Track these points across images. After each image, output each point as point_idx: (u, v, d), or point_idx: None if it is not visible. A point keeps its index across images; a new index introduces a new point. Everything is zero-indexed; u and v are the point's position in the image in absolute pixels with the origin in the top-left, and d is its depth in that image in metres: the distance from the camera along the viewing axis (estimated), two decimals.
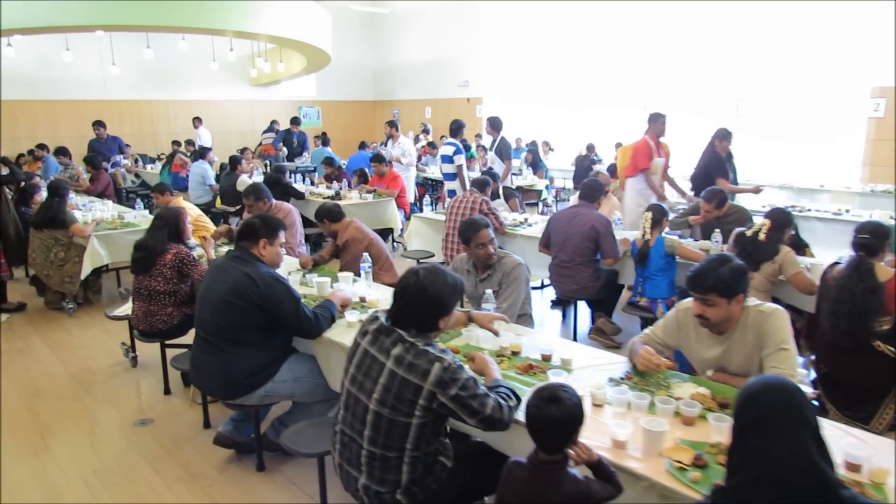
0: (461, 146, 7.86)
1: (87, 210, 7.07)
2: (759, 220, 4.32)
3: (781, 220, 4.17)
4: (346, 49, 17.21)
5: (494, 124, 8.17)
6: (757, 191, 7.05)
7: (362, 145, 12.08)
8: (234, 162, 9.07)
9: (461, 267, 3.85)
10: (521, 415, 2.33)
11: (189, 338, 4.39)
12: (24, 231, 6.37)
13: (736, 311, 2.62)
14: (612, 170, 8.31)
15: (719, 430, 2.17)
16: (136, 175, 12.69)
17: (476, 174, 7.73)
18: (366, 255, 4.26)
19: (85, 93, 14.36)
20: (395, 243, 8.69)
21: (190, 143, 13.14)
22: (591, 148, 12.03)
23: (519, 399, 2.36)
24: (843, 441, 2.11)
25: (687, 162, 8.51)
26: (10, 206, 6.31)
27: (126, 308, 4.72)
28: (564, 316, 6.15)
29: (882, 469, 1.95)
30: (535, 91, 15.61)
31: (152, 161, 13.32)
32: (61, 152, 9.63)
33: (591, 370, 2.81)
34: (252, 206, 5.32)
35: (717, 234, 4.92)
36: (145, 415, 4.16)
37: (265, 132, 13.38)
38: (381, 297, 3.82)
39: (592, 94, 14.49)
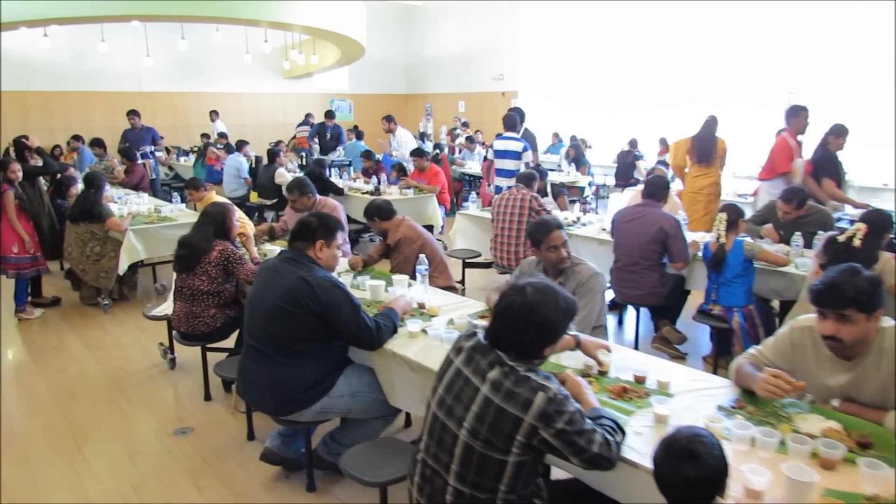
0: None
1: (122, 203, 6.89)
2: (844, 224, 3.93)
3: (880, 223, 3.76)
4: (379, 42, 16.93)
5: (518, 117, 7.76)
6: (864, 206, 6.34)
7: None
8: (273, 155, 8.84)
9: (528, 271, 3.53)
10: (631, 452, 2.02)
11: (231, 341, 4.17)
12: (59, 224, 6.19)
13: (872, 330, 2.26)
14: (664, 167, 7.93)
15: (873, 479, 1.82)
16: (170, 167, 12.58)
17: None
18: (422, 256, 3.95)
19: (119, 84, 14.29)
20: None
21: (223, 135, 12.96)
22: (633, 143, 11.60)
23: (624, 433, 2.05)
24: None
25: (748, 158, 8.12)
26: (45, 198, 6.14)
27: (165, 307, 4.48)
28: (620, 321, 5.80)
29: None
30: (572, 85, 15.18)
31: (185, 153, 13.20)
32: (96, 143, 9.47)
33: (691, 395, 2.47)
34: (296, 201, 5.05)
35: (797, 238, 4.53)
36: (185, 423, 3.91)
37: (300, 125, 13.18)
38: (442, 303, 3.51)
39: (632, 88, 14.03)
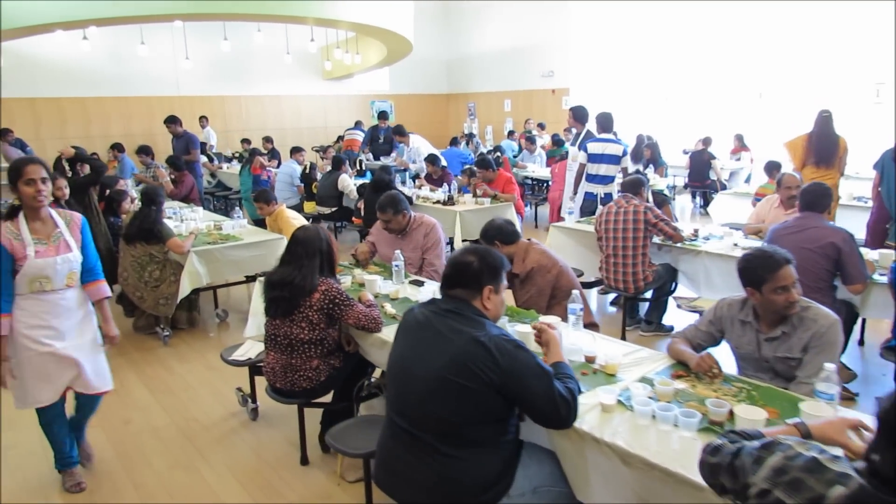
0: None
1: (178, 218, 6.24)
2: None
3: None
4: (420, 40, 16.20)
5: (579, 115, 7.00)
6: None
7: (454, 141, 11.04)
8: (338, 162, 8.19)
9: (730, 315, 2.75)
10: None
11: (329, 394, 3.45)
12: (114, 244, 5.54)
13: None
14: (770, 168, 7.09)
15: None
16: (212, 175, 11.97)
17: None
18: (574, 293, 3.19)
19: (157, 89, 13.76)
20: None
21: (268, 140, 12.34)
22: (707, 142, 10.72)
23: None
24: None
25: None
26: (99, 214, 5.48)
27: (246, 350, 3.79)
28: None
29: None
30: (629, 80, 14.31)
31: (228, 160, 12.60)
32: (143, 151, 8.85)
33: None
34: (390, 221, 4.34)
35: None
36: (282, 496, 3.20)
37: (350, 129, 12.45)
38: (612, 352, 2.75)
39: (696, 82, 13.15)
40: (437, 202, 7.18)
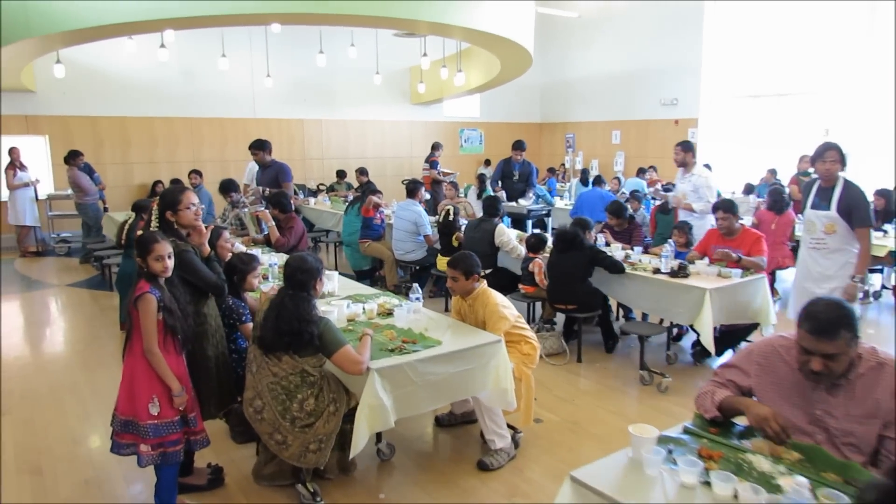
0: None
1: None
2: None
3: None
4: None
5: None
6: None
7: (598, 180, 8.93)
8: (493, 207, 6.16)
9: None
10: None
11: None
12: (231, 353, 3.51)
13: None
14: None
15: None
16: (296, 210, 10.05)
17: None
18: None
19: (231, 110, 12.05)
20: None
21: (363, 172, 10.44)
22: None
23: None
24: None
25: None
26: (209, 304, 3.40)
27: None
28: None
29: None
30: (770, 112, 12.14)
31: (312, 193, 10.73)
32: (228, 188, 6.95)
33: None
34: None
35: None
36: None
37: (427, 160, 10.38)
38: None
39: (863, 113, 10.90)
40: (656, 271, 5.07)
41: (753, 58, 12.10)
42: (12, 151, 9.39)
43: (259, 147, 7.27)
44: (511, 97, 15.49)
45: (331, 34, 10.66)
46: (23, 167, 9.51)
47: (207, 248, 3.31)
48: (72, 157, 9.31)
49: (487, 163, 15.25)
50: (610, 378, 5.07)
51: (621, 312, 6.33)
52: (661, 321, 5.45)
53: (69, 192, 9.92)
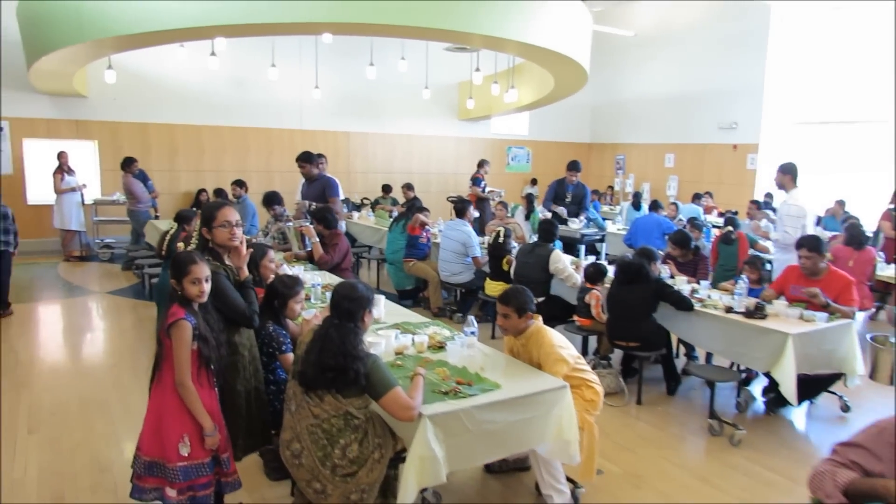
0: None
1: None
2: None
3: None
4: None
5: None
6: None
7: (654, 205, 8.49)
8: (549, 231, 5.79)
9: None
10: None
11: None
12: (269, 385, 3.21)
13: None
14: None
15: None
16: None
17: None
18: None
19: (278, 120, 11.96)
20: None
21: (409, 187, 10.18)
22: None
23: None
24: None
25: None
26: (240, 331, 3.08)
27: None
28: None
29: None
30: (840, 138, 11.52)
31: (356, 207, 10.51)
32: (272, 201, 6.74)
33: None
34: None
35: None
36: None
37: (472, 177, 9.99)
38: None
39: None
40: (729, 310, 4.63)
41: (819, 82, 11.52)
42: (61, 155, 9.41)
43: (306, 159, 7.03)
44: (561, 115, 15.12)
45: (381, 47, 10.49)
46: (70, 171, 9.51)
47: (245, 272, 3.01)
48: (127, 164, 9.33)
49: (534, 182, 14.91)
50: (673, 424, 4.64)
51: (681, 349, 5.88)
52: (732, 365, 5.00)
53: (115, 196, 9.92)
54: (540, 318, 3.43)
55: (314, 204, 6.57)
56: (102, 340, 6.24)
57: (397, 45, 10.29)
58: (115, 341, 6.08)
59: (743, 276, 5.13)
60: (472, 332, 3.52)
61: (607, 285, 5.23)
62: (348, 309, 2.76)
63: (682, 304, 4.75)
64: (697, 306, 4.79)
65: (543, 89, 11.36)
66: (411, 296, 7.58)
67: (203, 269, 2.64)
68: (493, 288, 6.29)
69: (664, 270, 5.53)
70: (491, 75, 11.16)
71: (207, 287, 2.65)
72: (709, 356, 5.41)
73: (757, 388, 5.15)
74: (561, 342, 3.34)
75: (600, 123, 16.07)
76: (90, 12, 6.87)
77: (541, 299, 5.72)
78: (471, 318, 3.61)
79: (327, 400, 2.68)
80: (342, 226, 8.37)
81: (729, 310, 4.67)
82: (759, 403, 4.96)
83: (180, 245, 4.67)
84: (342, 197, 7.58)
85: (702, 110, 13.39)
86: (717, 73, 12.93)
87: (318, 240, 5.70)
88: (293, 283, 3.39)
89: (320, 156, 7.36)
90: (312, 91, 11.07)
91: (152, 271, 7.37)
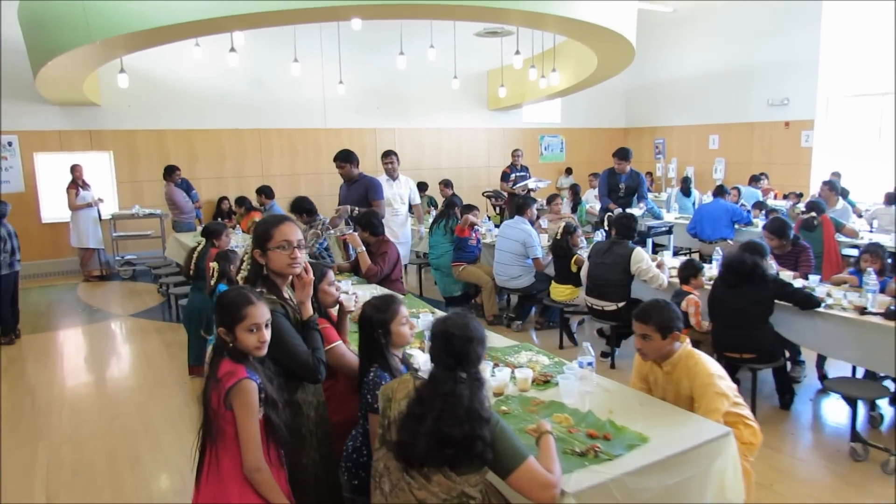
0: None
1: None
2: None
3: None
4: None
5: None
6: None
7: (719, 190, 7.70)
8: (627, 228, 5.04)
9: None
10: None
11: None
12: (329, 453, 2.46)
13: None
14: None
15: None
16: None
17: None
18: None
19: (301, 120, 11.30)
20: None
21: (447, 184, 9.47)
22: None
23: None
24: None
25: None
26: (303, 388, 2.31)
27: None
28: None
29: None
30: None
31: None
32: (300, 209, 5.95)
33: None
34: None
35: None
36: None
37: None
38: None
39: None
40: (863, 311, 3.86)
41: (878, 51, 10.59)
42: (75, 169, 8.81)
43: (345, 159, 6.34)
44: (594, 100, 14.30)
45: (409, 36, 9.77)
46: (86, 185, 8.91)
47: (309, 310, 2.28)
48: (169, 173, 8.83)
49: (569, 171, 14.14)
50: (801, 449, 3.91)
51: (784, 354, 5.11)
52: (867, 373, 4.23)
53: (134, 210, 9.32)
54: (688, 340, 2.70)
55: (357, 209, 5.87)
56: (128, 374, 5.58)
57: (425, 33, 9.57)
58: (143, 373, 5.43)
59: (870, 268, 4.34)
60: (590, 364, 2.78)
61: (705, 288, 4.49)
62: (478, 354, 2.02)
63: (809, 302, 4.00)
64: (821, 307, 4.03)
65: (583, 71, 10.58)
66: (460, 303, 6.89)
67: (263, 312, 1.99)
68: (560, 292, 5.57)
69: (771, 265, 4.75)
70: (527, 59, 10.37)
71: (267, 335, 1.99)
72: (820, 359, 4.65)
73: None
74: (719, 372, 2.61)
75: (636, 106, 15.22)
76: (97, 10, 6.22)
77: (621, 304, 4.99)
78: (586, 345, 2.86)
79: (436, 480, 1.96)
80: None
81: (863, 310, 3.91)
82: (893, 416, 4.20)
83: (212, 265, 3.99)
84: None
85: (749, 87, 12.49)
86: (765, 47, 12.03)
87: (363, 248, 5.00)
88: (387, 305, 2.47)
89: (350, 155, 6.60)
90: (336, 87, 10.38)
91: (178, 291, 6.72)
